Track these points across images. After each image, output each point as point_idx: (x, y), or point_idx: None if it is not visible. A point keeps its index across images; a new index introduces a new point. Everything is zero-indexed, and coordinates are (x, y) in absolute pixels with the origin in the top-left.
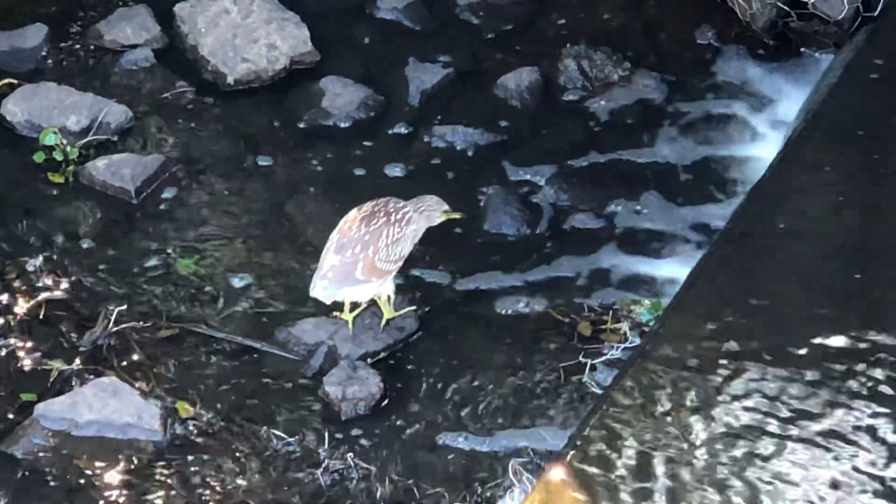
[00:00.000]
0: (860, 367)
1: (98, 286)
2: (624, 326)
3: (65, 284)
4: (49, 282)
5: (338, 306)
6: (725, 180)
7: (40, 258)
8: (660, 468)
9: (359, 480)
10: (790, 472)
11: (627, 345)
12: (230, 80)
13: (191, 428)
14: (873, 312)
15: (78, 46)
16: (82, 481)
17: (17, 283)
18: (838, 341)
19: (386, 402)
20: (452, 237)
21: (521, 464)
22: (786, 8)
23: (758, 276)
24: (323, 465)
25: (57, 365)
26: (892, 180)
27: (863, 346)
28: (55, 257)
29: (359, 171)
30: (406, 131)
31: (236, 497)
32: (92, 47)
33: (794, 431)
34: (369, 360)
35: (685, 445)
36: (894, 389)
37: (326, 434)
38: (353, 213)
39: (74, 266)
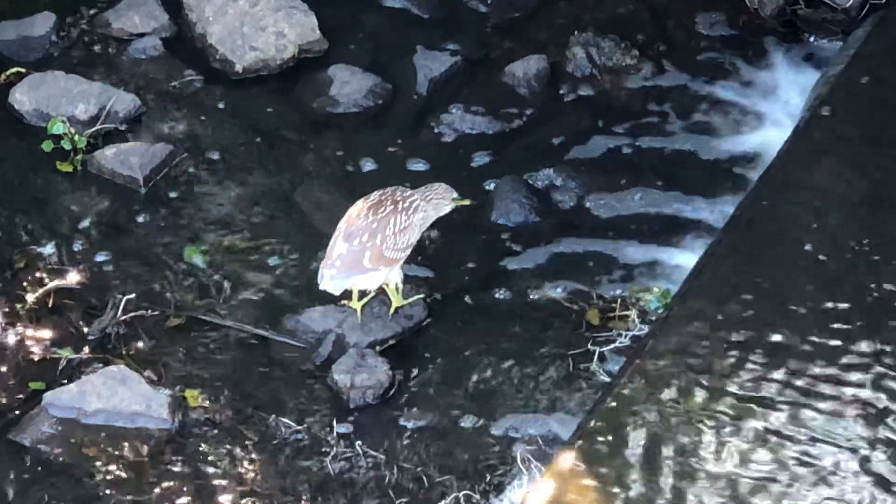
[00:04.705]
0: (869, 354)
1: (106, 275)
2: (632, 314)
3: (73, 273)
4: (58, 270)
5: (346, 294)
6: (733, 168)
7: (49, 247)
8: (668, 456)
9: (367, 468)
10: (798, 461)
11: (636, 333)
12: (238, 68)
13: (199, 416)
14: (881, 300)
15: (86, 35)
16: (90, 470)
17: (25, 272)
18: (846, 328)
19: (394, 390)
20: (461, 225)
21: (529, 452)
22: None
23: (766, 263)
24: (331, 454)
25: (65, 353)
26: None
27: (871, 333)
28: (64, 246)
29: (367, 159)
30: (414, 119)
31: (245, 485)
32: (100, 36)
33: (803, 419)
34: (378, 349)
35: (693, 433)
36: None
37: (335, 422)
38: (361, 203)
39: (83, 254)
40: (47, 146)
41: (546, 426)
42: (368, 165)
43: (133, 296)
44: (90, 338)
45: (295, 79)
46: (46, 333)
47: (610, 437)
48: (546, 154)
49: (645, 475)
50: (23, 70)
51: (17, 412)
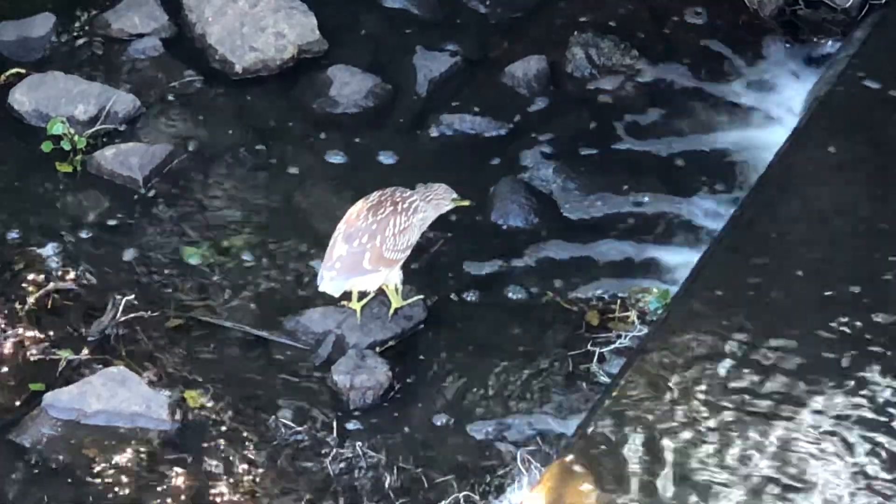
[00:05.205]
0: (871, 353)
1: (106, 276)
2: (632, 315)
3: (73, 274)
4: (57, 271)
5: (346, 295)
6: (733, 168)
7: (49, 247)
8: (668, 456)
9: (367, 469)
10: (800, 460)
11: (635, 333)
12: (238, 68)
13: (199, 417)
14: (882, 298)
15: (85, 36)
16: (90, 471)
17: (25, 273)
18: (847, 328)
19: (394, 391)
20: (460, 226)
21: (529, 453)
22: None
23: (766, 263)
24: (331, 455)
25: (65, 354)
26: None
27: (873, 332)
28: (63, 247)
29: (366, 160)
30: (414, 119)
31: (244, 486)
32: (100, 36)
33: (804, 418)
34: (377, 349)
35: (693, 433)
36: None
37: (334, 423)
38: (360, 204)
39: (82, 255)
40: (47, 147)
41: (546, 427)
42: (368, 165)
43: (133, 297)
44: (90, 339)
45: (295, 79)
46: (46, 334)
47: (610, 438)
48: (546, 154)
49: (645, 476)
50: (23, 70)
51: (17, 413)
